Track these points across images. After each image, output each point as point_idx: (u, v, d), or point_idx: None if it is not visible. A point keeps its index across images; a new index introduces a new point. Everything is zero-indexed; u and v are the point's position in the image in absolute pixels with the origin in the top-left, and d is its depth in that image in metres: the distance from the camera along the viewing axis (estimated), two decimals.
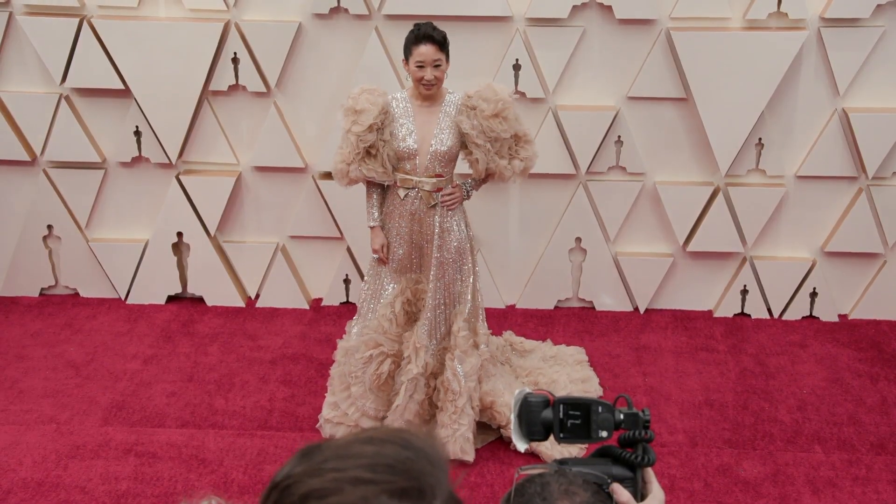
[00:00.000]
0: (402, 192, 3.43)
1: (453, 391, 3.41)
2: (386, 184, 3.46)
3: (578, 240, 4.55)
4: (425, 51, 3.26)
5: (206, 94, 4.43)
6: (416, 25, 3.33)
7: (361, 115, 3.33)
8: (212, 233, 4.60)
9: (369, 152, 3.38)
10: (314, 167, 4.51)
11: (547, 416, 1.51)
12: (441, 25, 3.40)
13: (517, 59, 4.27)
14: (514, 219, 4.57)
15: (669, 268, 4.56)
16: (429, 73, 3.27)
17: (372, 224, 3.48)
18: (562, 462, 1.46)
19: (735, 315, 4.58)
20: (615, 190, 4.46)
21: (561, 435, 1.50)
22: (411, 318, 3.56)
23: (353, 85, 3.64)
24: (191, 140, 4.49)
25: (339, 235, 4.59)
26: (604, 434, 1.50)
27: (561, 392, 3.76)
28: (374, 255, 3.50)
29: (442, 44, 3.28)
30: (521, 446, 1.53)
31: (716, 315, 4.59)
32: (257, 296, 4.71)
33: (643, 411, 1.50)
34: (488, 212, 4.48)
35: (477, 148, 3.31)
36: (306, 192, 4.54)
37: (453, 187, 3.45)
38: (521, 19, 4.25)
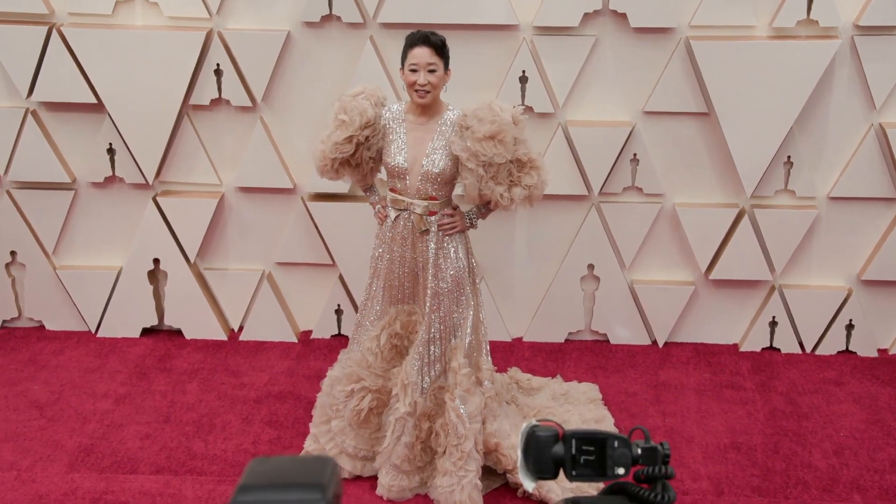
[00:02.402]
0: (392, 213, 3.44)
1: (458, 434, 3.38)
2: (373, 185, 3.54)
3: (591, 267, 4.53)
4: (419, 53, 3.27)
5: (187, 108, 4.42)
6: (412, 32, 3.37)
7: (344, 125, 3.35)
8: (191, 259, 4.59)
9: (349, 161, 3.40)
10: (303, 188, 4.50)
11: (558, 451, 1.49)
12: (442, 34, 3.40)
13: (524, 71, 4.27)
14: (521, 243, 4.55)
15: (690, 297, 4.54)
16: (422, 77, 3.26)
17: (371, 202, 3.56)
18: (573, 501, 1.45)
19: (763, 349, 4.57)
20: (631, 212, 4.44)
21: (573, 472, 1.48)
22: (400, 352, 3.56)
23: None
24: (169, 158, 4.48)
25: (330, 262, 4.57)
26: (620, 471, 1.48)
27: None
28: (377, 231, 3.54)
29: (439, 48, 3.29)
30: (529, 485, 1.51)
31: (742, 349, 4.57)
32: (241, 328, 4.70)
33: (662, 445, 1.48)
34: (492, 236, 4.47)
35: (468, 172, 3.29)
36: (295, 215, 4.53)
37: (451, 213, 3.44)
38: (529, 28, 4.25)
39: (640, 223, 4.45)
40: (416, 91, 3.27)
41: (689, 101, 4.28)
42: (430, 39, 3.27)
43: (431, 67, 3.26)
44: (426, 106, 3.34)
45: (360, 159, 3.41)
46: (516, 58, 4.25)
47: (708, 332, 4.61)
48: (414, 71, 3.27)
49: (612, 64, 4.29)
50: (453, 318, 3.45)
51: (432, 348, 3.45)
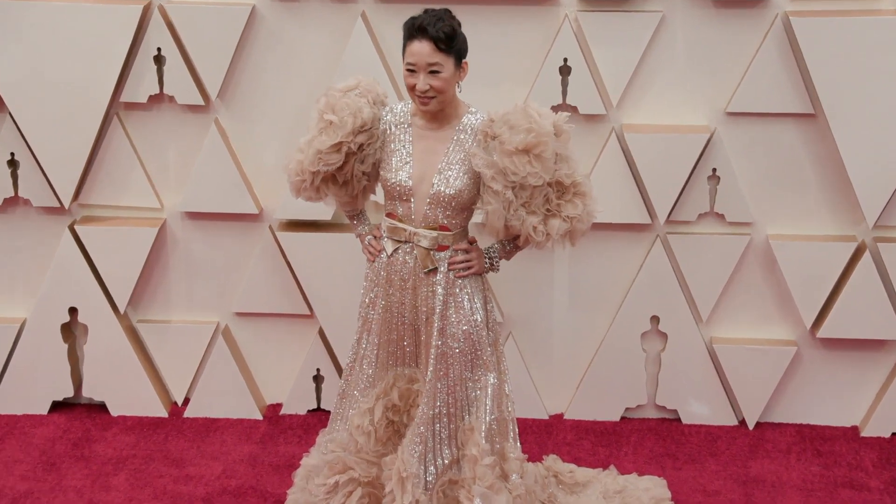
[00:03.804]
0: (389, 247, 3.43)
1: None
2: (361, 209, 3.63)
3: (655, 320, 4.50)
4: (417, 49, 3.28)
5: (116, 107, 4.43)
6: (425, 11, 3.33)
7: (332, 128, 3.37)
8: (121, 309, 4.57)
9: (335, 177, 3.43)
10: (272, 213, 4.50)
11: None
12: (457, 13, 3.40)
13: (565, 59, 4.26)
14: (561, 289, 4.54)
15: (792, 362, 4.51)
16: (421, 82, 3.27)
17: (359, 234, 3.62)
18: None
19: (894, 435, 4.51)
20: (709, 247, 4.41)
21: None
22: (399, 431, 3.59)
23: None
24: (92, 174, 4.48)
25: (306, 312, 4.57)
26: None
27: None
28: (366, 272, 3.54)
29: (444, 42, 3.27)
30: None
31: (864, 434, 4.53)
32: (186, 401, 4.69)
33: None
34: (522, 279, 4.46)
35: (492, 196, 3.31)
36: (261, 250, 4.52)
37: (466, 249, 3.45)
38: (572, 2, 4.25)
39: (721, 262, 4.42)
40: (419, 97, 3.32)
41: (787, 98, 4.26)
42: (429, 31, 3.26)
43: (434, 68, 3.27)
44: (430, 113, 3.39)
45: (349, 174, 3.44)
46: (555, 42, 4.24)
47: (816, 410, 4.58)
48: (411, 71, 3.29)
49: (683, 49, 4.29)
50: (466, 388, 3.47)
51: (437, 427, 3.47)
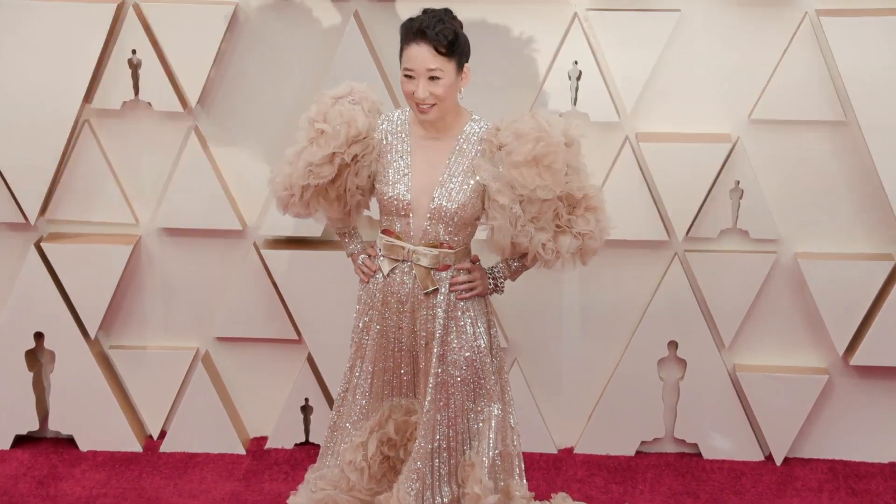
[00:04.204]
0: (385, 266, 3.39)
1: None
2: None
3: (673, 345, 4.48)
4: (417, 54, 3.27)
5: (87, 114, 4.42)
6: (423, 12, 3.33)
7: (324, 137, 3.36)
8: (92, 334, 4.55)
9: (327, 191, 3.41)
10: (257, 229, 4.48)
11: None
12: (457, 11, 3.38)
13: (575, 62, 4.24)
14: (572, 311, 4.53)
15: (823, 392, 4.48)
16: (420, 90, 3.26)
17: (351, 252, 3.61)
18: None
19: None
20: (732, 266, 4.40)
21: None
22: (395, 467, 3.57)
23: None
24: (61, 187, 4.47)
25: (294, 337, 4.54)
26: None
27: None
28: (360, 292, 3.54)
29: (445, 46, 3.26)
30: None
31: None
32: (163, 434, 4.65)
33: None
34: (531, 299, 4.45)
35: (498, 210, 3.31)
36: (244, 269, 4.50)
37: (469, 269, 3.42)
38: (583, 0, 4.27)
39: (745, 282, 4.39)
40: (417, 105, 3.32)
41: (817, 104, 4.24)
42: (428, 34, 3.25)
43: (434, 74, 3.26)
44: (430, 122, 3.39)
45: (342, 188, 3.43)
46: (564, 43, 4.22)
47: (850, 445, 4.53)
48: (410, 77, 3.28)
49: (703, 51, 4.27)
50: (468, 419, 3.46)
51: (436, 463, 3.44)
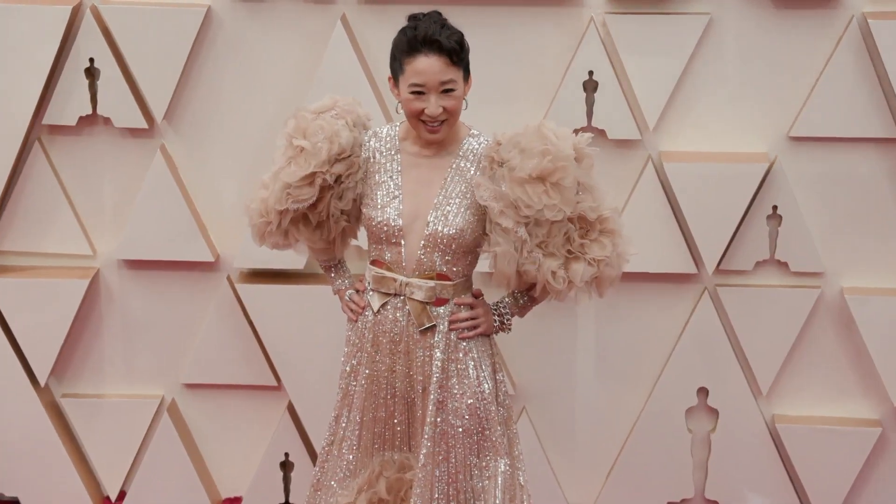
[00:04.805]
0: (376, 301, 3.37)
1: None
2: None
3: (703, 392, 4.49)
4: (427, 66, 3.24)
5: (38, 131, 4.42)
6: (411, 19, 3.32)
7: (303, 156, 3.35)
8: (41, 381, 4.54)
9: (308, 216, 3.40)
10: (230, 261, 4.47)
11: None
12: (458, 14, 3.39)
13: (591, 72, 4.24)
14: (587, 352, 4.54)
15: (875, 446, 4.45)
16: (433, 105, 3.25)
17: (338, 289, 3.62)
18: None
19: None
20: (769, 303, 4.39)
21: None
22: None
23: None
24: (8, 213, 4.48)
25: (273, 383, 4.54)
26: None
27: None
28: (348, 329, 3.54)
29: (456, 54, 3.26)
30: None
31: None
32: (122, 495, 4.64)
33: None
34: (540, 338, 4.46)
35: (501, 235, 3.30)
36: (217, 306, 4.51)
37: (471, 304, 3.42)
38: (600, 1, 4.27)
39: (785, 321, 4.39)
40: (426, 124, 3.30)
41: (865, 119, 4.23)
42: (444, 43, 3.24)
43: (448, 86, 3.25)
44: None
45: (324, 213, 3.43)
46: (579, 50, 4.22)
47: None
48: (418, 93, 3.26)
49: (736, 59, 4.27)
50: (471, 476, 3.44)
51: None
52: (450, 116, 3.28)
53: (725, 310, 4.34)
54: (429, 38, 3.22)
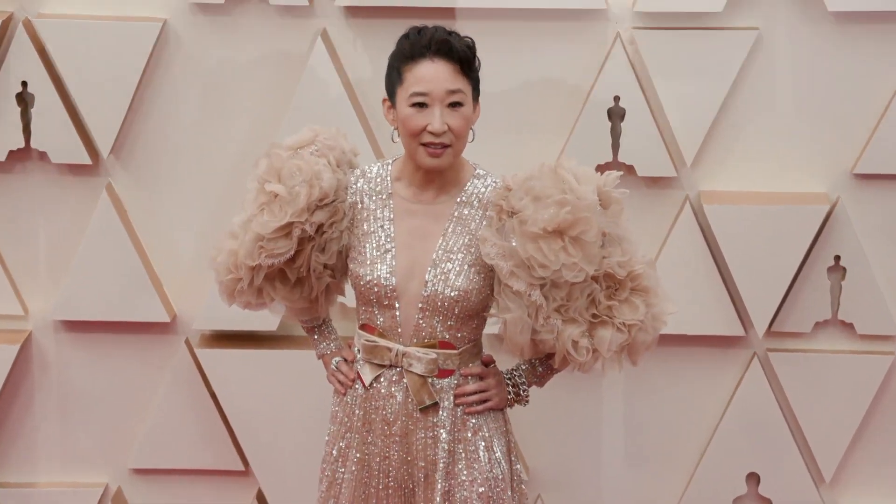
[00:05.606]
0: (367, 373, 3.33)
1: None
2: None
3: (754, 479, 4.45)
4: (433, 72, 3.22)
5: None
6: (412, 30, 3.32)
7: (278, 202, 3.33)
8: None
9: (284, 272, 3.37)
10: (189, 322, 4.48)
11: None
12: (460, 30, 3.35)
13: (616, 98, 4.25)
14: (615, 430, 4.54)
15: None
16: (437, 120, 3.19)
17: (322, 354, 3.64)
18: None
19: None
20: (832, 372, 4.38)
21: None
22: None
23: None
24: None
25: (240, 468, 4.53)
26: None
27: None
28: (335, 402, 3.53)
29: (466, 62, 3.25)
30: None
31: None
32: None
33: None
34: (559, 414, 4.46)
35: (512, 299, 3.26)
36: (173, 376, 4.50)
37: (480, 374, 3.39)
38: (627, 15, 4.27)
39: (851, 393, 4.37)
40: (427, 146, 3.23)
41: None
42: (454, 47, 3.24)
43: (455, 98, 3.23)
44: (437, 171, 3.30)
45: (304, 269, 3.39)
46: (603, 71, 4.21)
47: None
48: (420, 105, 3.21)
49: (790, 81, 4.26)
50: None
51: None
52: (455, 140, 3.23)
53: (779, 380, 4.34)
54: (437, 40, 3.21)
